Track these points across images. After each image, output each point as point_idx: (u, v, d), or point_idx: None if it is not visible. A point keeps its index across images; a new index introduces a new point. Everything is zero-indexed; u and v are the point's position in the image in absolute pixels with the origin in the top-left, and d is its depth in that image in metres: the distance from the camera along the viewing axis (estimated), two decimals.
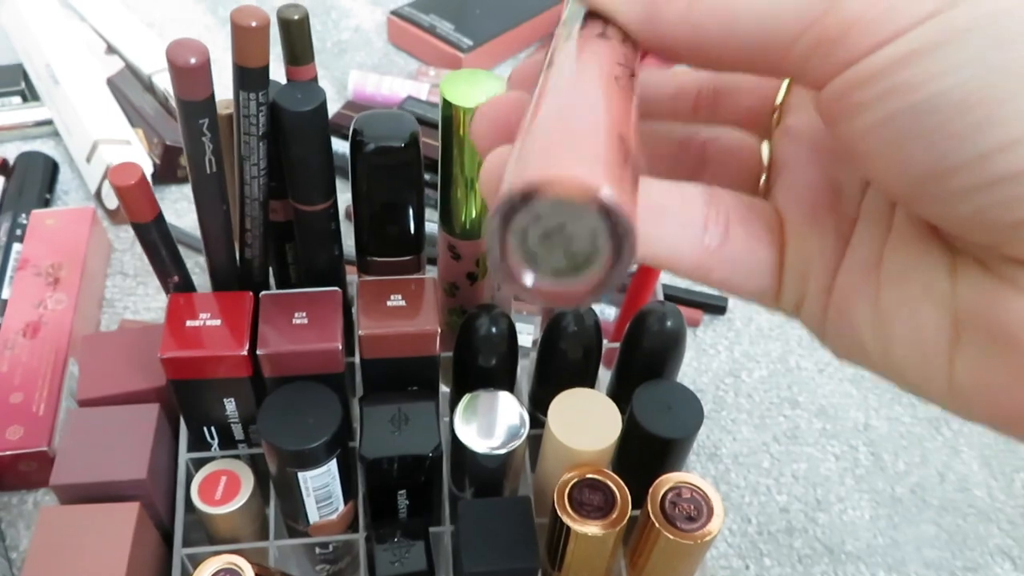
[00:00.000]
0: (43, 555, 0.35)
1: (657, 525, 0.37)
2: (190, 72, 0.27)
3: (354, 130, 0.36)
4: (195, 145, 0.31)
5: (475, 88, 0.36)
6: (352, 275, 0.43)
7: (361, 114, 0.36)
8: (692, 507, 0.38)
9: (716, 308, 0.63)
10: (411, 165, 0.37)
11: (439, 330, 0.38)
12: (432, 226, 0.43)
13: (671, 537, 0.36)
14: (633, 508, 0.38)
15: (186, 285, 0.38)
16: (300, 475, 0.37)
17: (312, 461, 0.36)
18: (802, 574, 0.50)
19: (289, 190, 0.36)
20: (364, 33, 0.83)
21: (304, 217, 0.37)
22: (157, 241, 0.35)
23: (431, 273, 0.43)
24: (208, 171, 0.32)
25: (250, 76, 0.31)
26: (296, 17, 0.33)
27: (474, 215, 0.40)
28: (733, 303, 0.64)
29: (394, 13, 0.80)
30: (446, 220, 0.41)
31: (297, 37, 0.34)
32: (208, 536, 0.41)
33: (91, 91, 0.67)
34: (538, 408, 0.45)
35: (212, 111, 0.30)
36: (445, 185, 0.39)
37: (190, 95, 0.29)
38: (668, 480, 0.38)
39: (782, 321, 0.63)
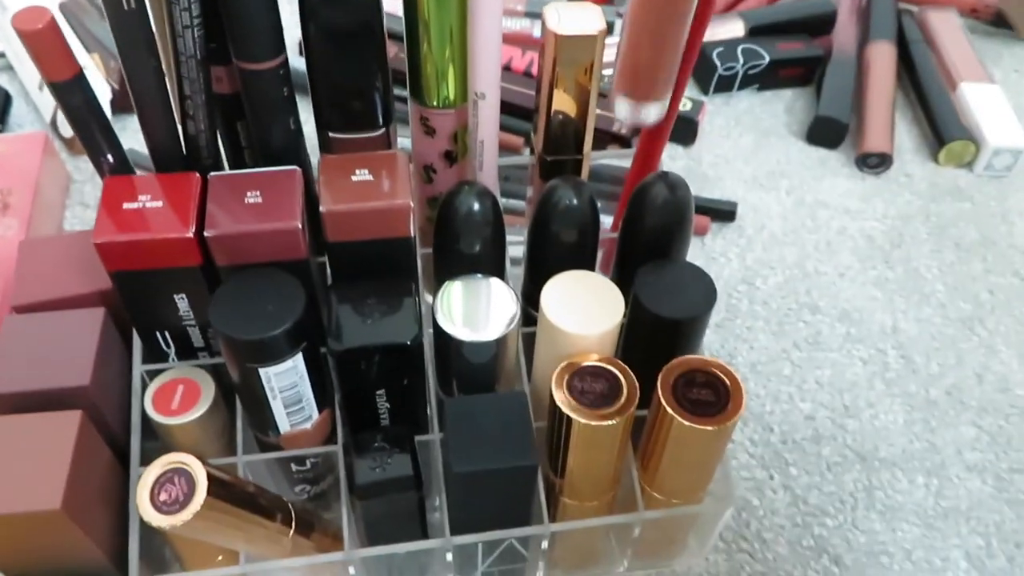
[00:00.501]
0: None
1: (670, 411, 0.32)
2: None
3: None
4: None
5: None
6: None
7: None
8: (709, 391, 0.33)
9: (725, 214, 0.58)
10: (371, 12, 0.32)
11: (412, 205, 0.33)
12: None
13: (686, 424, 0.32)
14: (641, 407, 0.33)
15: (123, 167, 0.33)
16: (262, 372, 0.32)
17: (274, 353, 0.32)
18: (832, 482, 0.46)
19: (230, 45, 0.32)
20: None
21: (250, 80, 0.32)
22: (82, 107, 0.30)
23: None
24: (126, 6, 0.27)
25: None
26: None
27: (447, 77, 0.35)
28: (743, 210, 0.59)
29: None
30: (415, 88, 0.36)
31: None
32: (168, 452, 0.36)
33: None
34: (531, 304, 0.40)
35: None
36: (412, 45, 0.34)
37: None
38: (680, 364, 0.34)
39: (796, 226, 0.58)
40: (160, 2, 0.30)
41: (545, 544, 0.37)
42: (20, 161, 0.52)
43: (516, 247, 0.42)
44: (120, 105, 0.60)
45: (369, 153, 0.35)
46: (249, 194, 0.33)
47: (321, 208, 0.33)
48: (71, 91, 0.30)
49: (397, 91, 0.42)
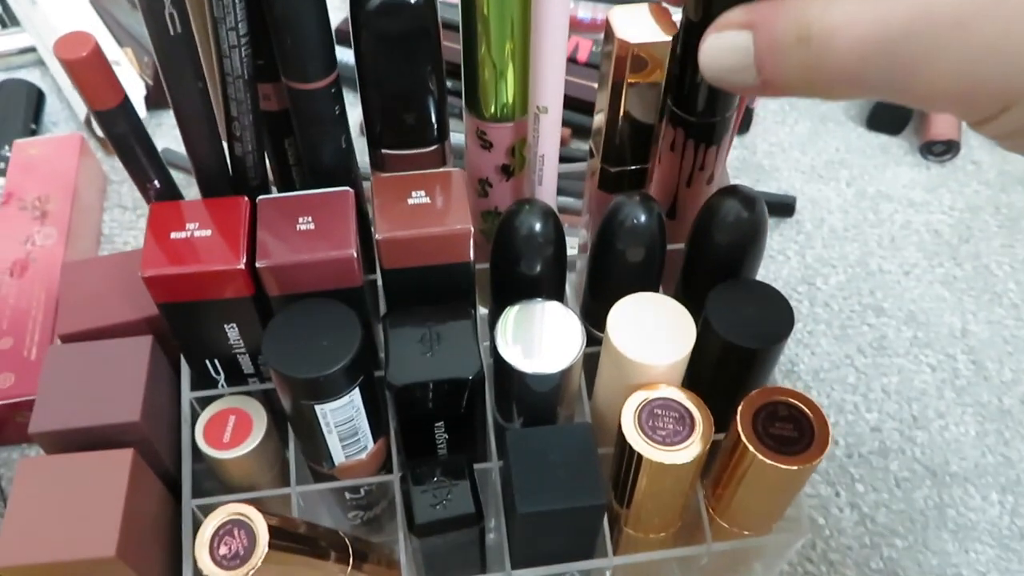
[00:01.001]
0: (24, 513, 0.30)
1: (751, 449, 0.30)
2: None
3: None
4: None
5: None
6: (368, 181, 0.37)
7: None
8: (792, 427, 0.31)
9: (783, 209, 0.56)
10: (427, 26, 0.30)
11: (472, 230, 0.31)
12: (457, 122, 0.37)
13: (768, 463, 0.30)
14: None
15: (170, 192, 0.32)
16: (318, 408, 0.31)
17: (330, 391, 0.30)
18: (901, 500, 0.44)
19: (280, 64, 0.30)
20: None
21: (300, 99, 0.30)
22: (128, 134, 0.29)
23: (460, 165, 0.36)
24: (171, 31, 0.25)
25: None
26: None
27: (506, 89, 0.33)
28: (801, 203, 0.56)
29: None
30: (472, 100, 0.34)
31: None
32: (221, 484, 0.35)
33: (74, 11, 0.60)
34: (593, 324, 0.38)
35: None
36: (469, 55, 0.32)
37: None
38: (762, 395, 0.32)
39: (858, 220, 0.56)
40: (206, 21, 0.28)
41: (608, 575, 0.35)
42: (57, 165, 0.51)
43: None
44: (154, 101, 0.59)
45: (425, 172, 0.33)
46: (301, 219, 0.31)
47: (377, 236, 0.31)
48: (116, 119, 0.28)
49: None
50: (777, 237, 0.55)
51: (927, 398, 0.48)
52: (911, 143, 0.60)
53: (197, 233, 0.31)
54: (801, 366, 0.49)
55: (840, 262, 0.54)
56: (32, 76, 0.62)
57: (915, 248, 0.54)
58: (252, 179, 0.33)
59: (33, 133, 0.57)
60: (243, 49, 0.28)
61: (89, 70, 0.26)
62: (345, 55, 0.30)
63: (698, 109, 0.35)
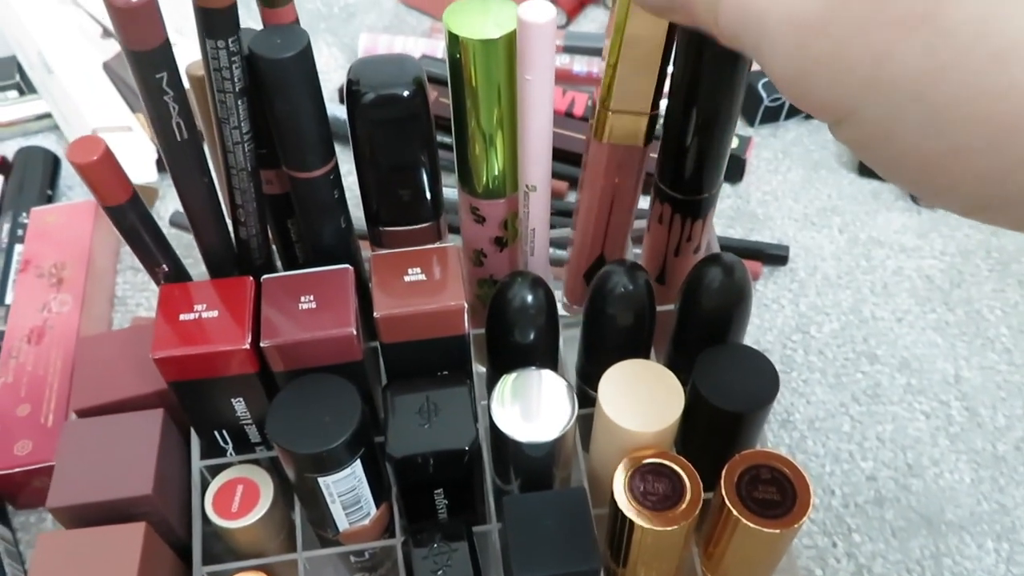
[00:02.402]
0: None
1: (735, 513, 0.31)
2: (134, 13, 0.23)
3: (349, 79, 0.31)
4: (158, 107, 0.26)
5: (485, 17, 0.30)
6: (368, 251, 0.38)
7: (357, 60, 0.31)
8: (775, 490, 0.32)
9: (776, 258, 0.57)
10: (418, 116, 0.31)
11: (466, 305, 0.33)
12: (452, 192, 0.38)
13: (752, 527, 0.31)
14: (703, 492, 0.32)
15: (178, 274, 0.33)
16: (321, 481, 0.32)
17: (333, 464, 0.32)
18: (898, 549, 0.45)
19: (280, 156, 0.32)
20: None
21: (301, 186, 0.32)
22: (136, 225, 0.30)
23: (454, 241, 0.38)
24: (178, 138, 0.27)
25: (215, 19, 0.26)
26: None
27: (496, 169, 0.35)
28: (795, 251, 0.57)
29: None
30: (465, 178, 0.35)
31: None
32: (230, 551, 0.37)
33: (87, 78, 0.63)
34: (585, 382, 0.40)
35: (170, 61, 0.25)
36: (460, 137, 0.34)
37: (139, 43, 0.24)
38: (744, 459, 0.33)
39: (851, 267, 0.57)
40: (211, 117, 0.30)
41: None
42: (72, 232, 0.53)
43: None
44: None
45: (420, 249, 0.35)
46: (303, 298, 0.33)
47: (376, 313, 0.33)
48: (126, 213, 0.30)
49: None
50: (771, 286, 0.56)
51: (921, 446, 0.48)
52: (902, 188, 0.61)
53: (205, 314, 0.32)
54: (797, 415, 0.50)
55: (834, 309, 0.55)
56: (48, 141, 0.64)
57: (907, 294, 0.55)
58: (256, 259, 0.34)
59: (49, 199, 0.59)
60: (246, 145, 0.30)
61: (100, 172, 0.28)
62: (341, 111, 0.31)
63: (684, 187, 0.37)
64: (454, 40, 0.30)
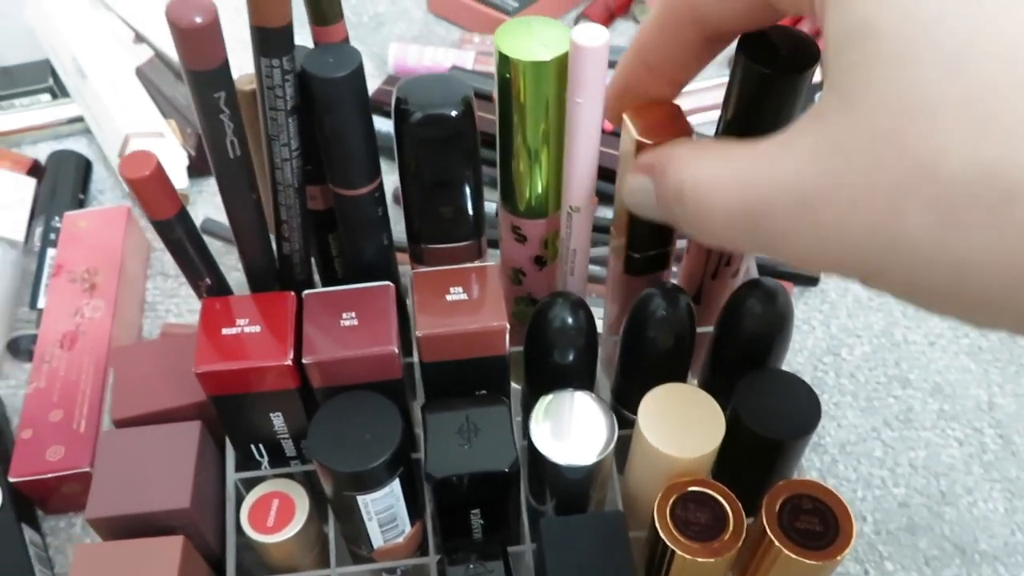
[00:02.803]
0: None
1: (776, 543, 0.31)
2: (197, 34, 0.23)
3: (397, 98, 0.31)
4: (212, 125, 0.26)
5: (534, 38, 0.30)
6: (405, 265, 0.38)
7: (404, 79, 0.31)
8: (817, 520, 0.32)
9: (807, 279, 0.56)
10: (465, 135, 0.31)
11: (508, 327, 0.33)
12: (491, 206, 0.38)
13: (794, 557, 0.31)
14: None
15: (220, 287, 0.33)
16: (360, 499, 0.32)
17: (372, 483, 0.32)
18: None
19: (327, 173, 0.32)
20: (401, 4, 0.78)
21: (346, 204, 0.32)
22: (183, 239, 0.30)
23: (494, 259, 0.38)
24: (231, 155, 0.27)
25: (271, 38, 0.26)
26: None
27: (540, 189, 0.34)
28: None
29: None
30: (507, 197, 0.35)
31: None
32: (263, 564, 0.37)
33: (120, 83, 0.63)
34: (622, 403, 0.39)
35: (228, 81, 0.25)
36: (505, 156, 0.34)
37: (200, 63, 0.24)
38: (786, 488, 0.32)
39: None
40: (260, 135, 0.30)
41: None
42: (105, 237, 0.53)
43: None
44: (197, 170, 0.61)
45: (462, 267, 0.35)
46: (344, 315, 0.33)
47: (417, 333, 0.32)
48: (173, 227, 0.30)
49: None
50: (802, 306, 0.56)
51: (955, 473, 0.48)
52: None
53: (247, 329, 0.32)
54: (828, 439, 0.49)
55: (865, 332, 0.54)
56: (79, 144, 0.65)
57: (939, 318, 0.55)
58: (298, 274, 0.34)
59: (81, 203, 0.59)
60: (294, 161, 0.30)
61: (151, 187, 0.28)
62: (385, 125, 0.32)
63: None
64: (504, 60, 0.30)
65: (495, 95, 0.32)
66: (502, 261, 0.39)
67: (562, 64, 0.30)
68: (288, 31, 0.26)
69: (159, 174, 0.28)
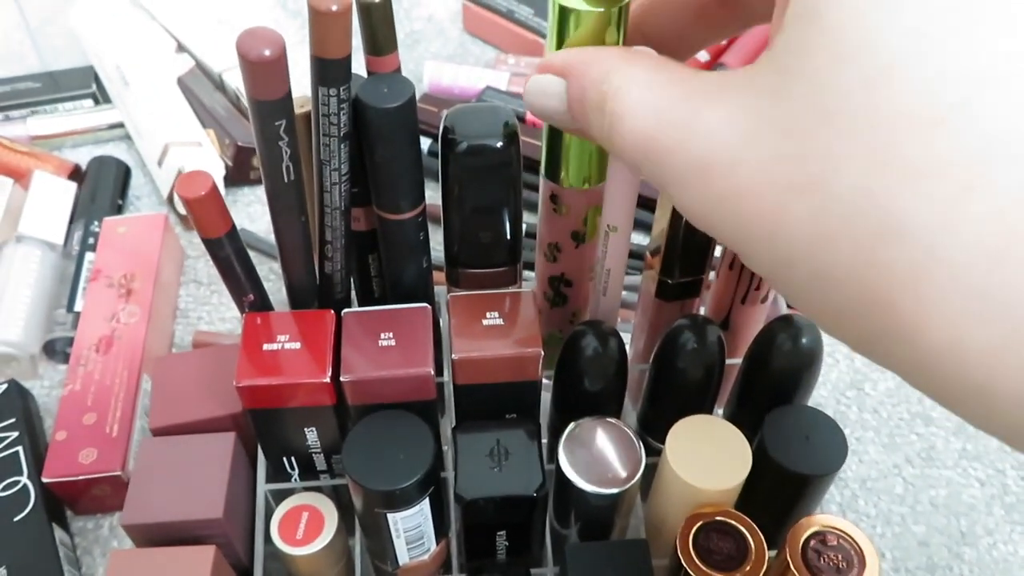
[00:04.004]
0: None
1: None
2: (264, 66, 0.23)
3: (445, 127, 0.32)
4: (271, 151, 0.27)
5: None
6: (439, 285, 0.39)
7: (452, 109, 0.32)
8: (840, 557, 0.32)
9: None
10: (509, 165, 0.32)
11: (542, 353, 0.33)
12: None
13: None
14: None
15: (262, 303, 0.34)
16: (390, 516, 0.33)
17: (404, 502, 0.32)
18: None
19: (373, 197, 0.32)
20: (437, 22, 0.79)
21: (390, 227, 0.33)
22: (231, 256, 0.31)
23: (528, 285, 0.38)
24: (285, 180, 0.28)
25: (331, 69, 0.27)
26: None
27: (587, 155, 0.34)
28: None
29: None
30: (552, 168, 0.35)
31: (380, 22, 0.30)
32: (288, 574, 0.37)
33: (162, 92, 0.65)
34: (647, 431, 0.40)
35: (289, 111, 0.26)
36: (554, 133, 0.33)
37: (265, 93, 0.25)
38: (809, 524, 0.33)
39: None
40: (310, 157, 0.31)
41: None
42: (142, 244, 0.54)
43: None
44: (233, 180, 0.62)
45: (498, 292, 0.35)
46: (383, 335, 0.34)
47: (453, 356, 0.33)
48: (224, 245, 0.31)
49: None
50: (825, 339, 0.56)
51: (976, 513, 0.48)
52: None
53: (287, 345, 0.33)
54: (849, 473, 0.50)
55: None
56: (119, 150, 0.66)
57: None
58: (338, 293, 0.35)
59: (119, 208, 0.60)
60: (343, 185, 0.31)
61: (206, 206, 0.29)
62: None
63: None
64: (561, 10, 0.30)
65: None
66: (538, 237, 0.38)
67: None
68: (347, 62, 0.27)
69: (214, 194, 0.29)
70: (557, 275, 0.40)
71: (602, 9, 0.28)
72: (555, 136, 0.33)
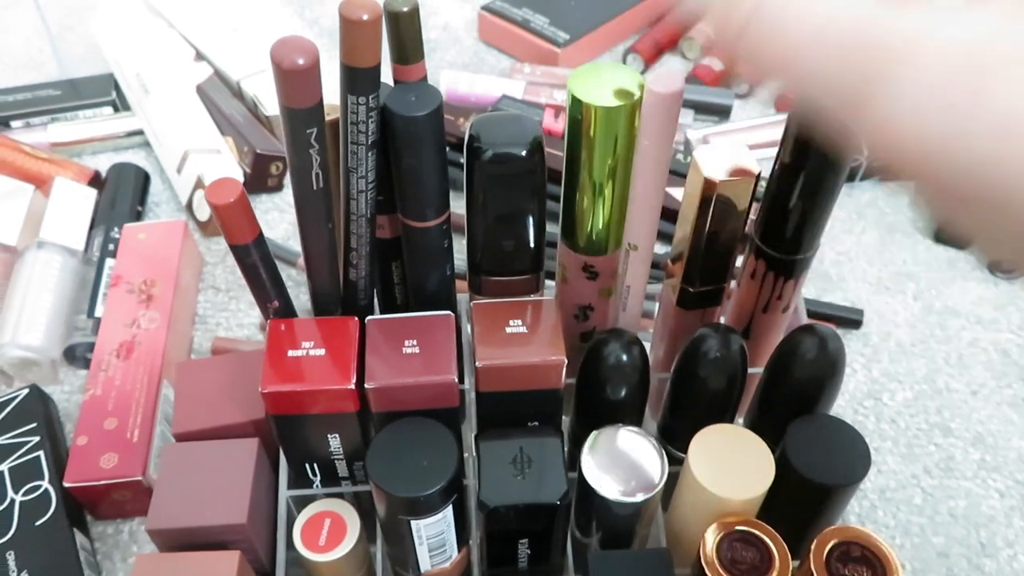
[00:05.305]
0: None
1: None
2: (298, 75, 0.24)
3: (470, 136, 0.32)
4: (301, 158, 0.27)
5: (606, 83, 0.31)
6: (461, 292, 0.39)
7: (477, 117, 0.32)
8: (865, 569, 0.32)
9: (850, 322, 0.57)
10: (534, 174, 0.32)
11: (565, 361, 0.33)
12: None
13: None
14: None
15: (287, 310, 0.34)
16: (413, 523, 0.33)
17: (427, 508, 0.32)
18: None
19: (399, 204, 0.33)
20: (453, 31, 0.79)
21: (415, 235, 0.33)
22: (257, 263, 0.31)
23: (549, 292, 0.38)
24: (314, 187, 0.28)
25: (360, 77, 0.27)
26: (406, 9, 0.29)
27: (601, 226, 0.35)
28: (868, 315, 0.57)
29: (485, 8, 0.76)
30: (569, 233, 0.36)
31: (407, 31, 0.30)
32: None
33: (181, 99, 0.65)
34: (668, 440, 0.40)
35: (321, 119, 0.26)
36: (570, 195, 0.35)
37: (297, 101, 0.25)
38: (835, 534, 0.33)
39: (925, 335, 0.56)
40: (336, 165, 0.31)
41: None
42: (162, 250, 0.54)
43: None
44: (251, 187, 0.62)
45: (521, 300, 0.35)
46: (407, 343, 0.34)
47: (477, 363, 0.33)
48: (250, 252, 0.31)
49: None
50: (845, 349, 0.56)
51: (995, 525, 0.48)
52: (979, 259, 0.61)
53: (312, 352, 0.33)
54: (868, 484, 0.49)
55: (907, 378, 0.54)
56: (138, 157, 0.66)
57: (983, 367, 0.55)
58: (361, 299, 0.35)
59: (139, 215, 0.61)
60: (369, 193, 0.31)
61: (234, 213, 0.29)
62: None
63: (784, 246, 0.37)
64: (576, 104, 0.31)
65: (563, 133, 0.33)
66: (563, 301, 0.39)
67: (634, 110, 0.31)
68: (376, 71, 0.27)
69: (243, 201, 0.29)
70: (589, 331, 0.39)
71: (617, 104, 0.29)
72: (573, 201, 0.34)
